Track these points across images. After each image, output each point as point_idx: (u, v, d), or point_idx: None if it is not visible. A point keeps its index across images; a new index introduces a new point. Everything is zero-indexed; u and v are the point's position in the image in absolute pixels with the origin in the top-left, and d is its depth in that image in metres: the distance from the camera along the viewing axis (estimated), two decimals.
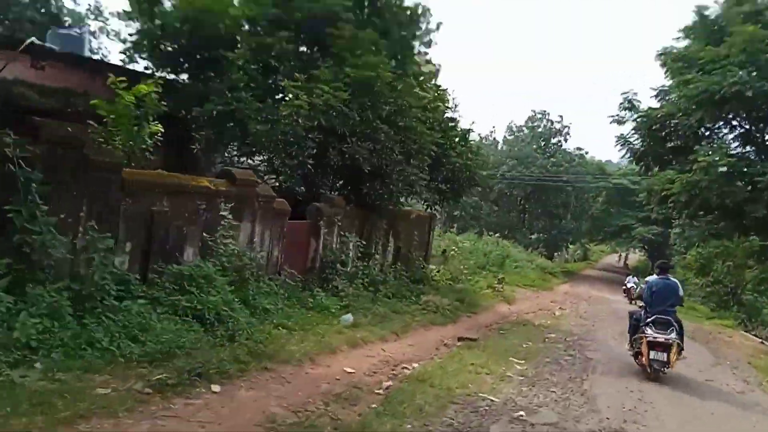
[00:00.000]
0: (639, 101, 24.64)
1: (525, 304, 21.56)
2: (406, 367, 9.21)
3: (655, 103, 25.18)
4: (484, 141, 52.83)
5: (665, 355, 10.03)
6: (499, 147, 52.24)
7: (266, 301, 10.12)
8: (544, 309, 21.14)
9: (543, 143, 52.10)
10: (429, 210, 19.07)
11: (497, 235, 41.22)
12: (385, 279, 15.58)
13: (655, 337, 10.11)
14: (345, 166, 14.07)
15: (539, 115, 52.37)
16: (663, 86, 25.26)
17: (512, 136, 52.59)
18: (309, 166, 13.27)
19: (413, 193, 15.23)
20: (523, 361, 10.81)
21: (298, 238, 12.85)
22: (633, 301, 15.52)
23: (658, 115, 23.59)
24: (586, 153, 52.26)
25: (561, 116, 53.31)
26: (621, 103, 24.70)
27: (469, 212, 49.37)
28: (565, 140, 52.17)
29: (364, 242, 15.01)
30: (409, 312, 13.72)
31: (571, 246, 71.86)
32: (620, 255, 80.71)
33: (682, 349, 10.59)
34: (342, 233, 13.99)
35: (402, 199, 16.18)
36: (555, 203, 49.80)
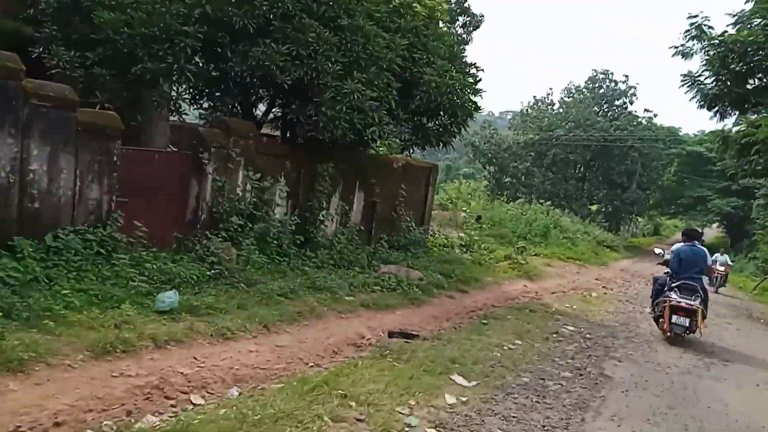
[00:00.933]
0: (711, 27, 18.21)
1: (554, 282, 16.21)
2: (188, 402, 4.46)
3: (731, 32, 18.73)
4: (539, 103, 46.49)
5: (687, 320, 9.60)
6: (556, 109, 45.63)
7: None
8: (579, 288, 15.77)
9: (605, 105, 45.05)
10: (406, 153, 13.85)
11: (548, 203, 35.32)
12: (333, 242, 10.79)
13: (678, 302, 9.61)
14: (255, 80, 9.30)
15: (601, 75, 45.26)
16: (743, 11, 18.75)
17: (570, 98, 45.85)
18: (189, 74, 8.54)
19: (369, 125, 10.14)
20: (471, 385, 5.82)
21: (161, 177, 8.23)
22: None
23: (737, 44, 17.27)
24: (655, 116, 44.87)
25: (626, 76, 46.07)
26: (687, 31, 18.33)
27: (519, 179, 43.40)
28: (631, 103, 44.86)
29: (291, 190, 10.21)
30: (341, 289, 8.84)
31: (639, 219, 64.33)
32: None
33: (705, 316, 9.99)
34: (248, 173, 9.23)
35: (376, 139, 11.09)
36: (618, 171, 42.87)
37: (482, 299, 11.37)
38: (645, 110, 44.60)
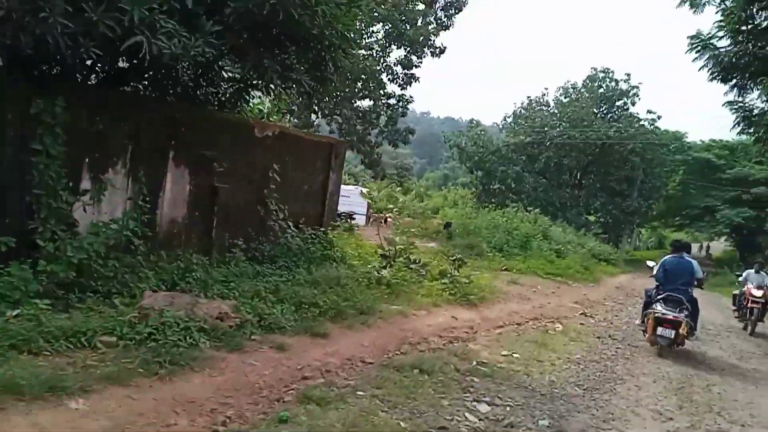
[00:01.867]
0: None
1: (509, 308, 11.25)
2: None
3: None
4: (533, 104, 41.41)
5: (673, 332, 8.99)
6: (551, 110, 40.53)
7: None
8: (544, 318, 10.87)
9: (604, 106, 39.91)
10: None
11: (537, 210, 30.46)
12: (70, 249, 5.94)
13: (663, 314, 9.07)
14: None
15: (601, 74, 40.19)
16: None
17: (567, 98, 40.79)
18: None
19: (129, 29, 5.34)
20: None
21: None
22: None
23: None
24: (659, 118, 39.45)
25: (628, 74, 40.69)
26: None
27: (509, 185, 38.35)
28: (633, 104, 39.62)
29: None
30: None
31: (642, 231, 59.04)
32: (702, 244, 66.62)
33: (693, 328, 9.40)
34: None
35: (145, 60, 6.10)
36: (617, 177, 37.71)
37: (347, 349, 6.47)
38: (648, 111, 39.28)
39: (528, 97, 41.39)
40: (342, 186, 25.76)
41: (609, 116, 39.26)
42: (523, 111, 41.15)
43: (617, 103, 40.02)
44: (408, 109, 29.67)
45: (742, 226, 39.74)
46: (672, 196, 45.19)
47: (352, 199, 23.91)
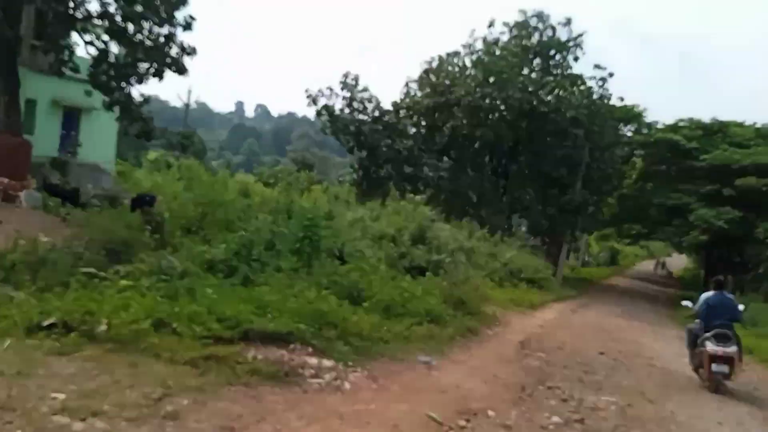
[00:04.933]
0: None
1: None
2: None
3: None
4: (445, 64, 28.30)
5: (727, 367, 8.79)
6: (464, 69, 27.74)
7: None
8: None
9: (535, 60, 27.18)
10: None
11: (419, 198, 17.33)
12: None
13: (715, 351, 8.81)
14: None
15: (533, 18, 27.67)
16: None
17: (488, 56, 27.77)
18: None
19: None
20: None
21: None
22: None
23: None
24: (611, 75, 26.78)
25: (569, 19, 28.10)
26: None
27: (400, 169, 25.14)
28: (575, 59, 27.33)
29: None
30: None
31: (592, 242, 46.49)
32: (658, 260, 54.34)
33: (741, 360, 9.04)
34: None
35: None
36: (554, 159, 25.15)
37: None
38: (595, 66, 27.03)
39: (438, 55, 28.29)
40: None
41: (542, 75, 26.52)
42: (428, 76, 28.02)
43: (556, 58, 27.33)
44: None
45: (724, 231, 27.21)
46: (628, 195, 32.93)
47: None
